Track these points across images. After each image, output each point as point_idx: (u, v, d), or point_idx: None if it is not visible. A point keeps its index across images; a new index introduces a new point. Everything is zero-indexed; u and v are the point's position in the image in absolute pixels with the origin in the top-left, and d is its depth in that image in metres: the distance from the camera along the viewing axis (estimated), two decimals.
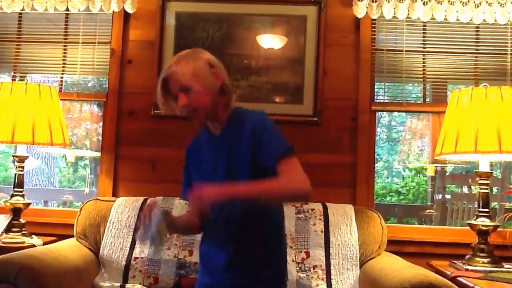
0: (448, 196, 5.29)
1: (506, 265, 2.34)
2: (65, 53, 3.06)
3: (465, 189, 5.27)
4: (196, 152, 1.86)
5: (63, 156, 6.86)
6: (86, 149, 5.92)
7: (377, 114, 2.97)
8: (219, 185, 1.55)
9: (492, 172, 2.46)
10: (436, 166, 5.15)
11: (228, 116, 1.75)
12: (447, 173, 5.72)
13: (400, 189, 7.78)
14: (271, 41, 2.92)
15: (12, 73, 3.09)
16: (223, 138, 1.74)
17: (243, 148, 1.67)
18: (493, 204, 4.18)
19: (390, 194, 7.73)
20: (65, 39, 3.07)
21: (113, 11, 2.93)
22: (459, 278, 2.12)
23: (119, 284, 2.33)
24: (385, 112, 7.16)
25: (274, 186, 1.57)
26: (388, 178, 8.41)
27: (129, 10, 2.92)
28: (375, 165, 2.98)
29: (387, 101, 3.00)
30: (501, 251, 2.51)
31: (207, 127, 1.79)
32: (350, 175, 2.84)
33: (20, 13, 3.06)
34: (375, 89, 2.94)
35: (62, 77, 3.08)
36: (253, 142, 1.65)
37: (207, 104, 1.68)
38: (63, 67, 3.06)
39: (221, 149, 1.73)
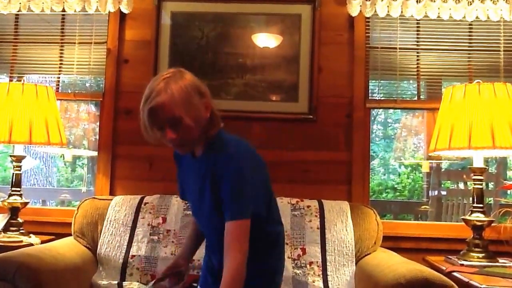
0: (443, 192, 5.30)
1: (501, 260, 2.36)
2: (61, 53, 3.07)
3: (460, 185, 5.29)
4: (183, 162, 1.84)
5: (61, 156, 6.87)
6: (84, 149, 5.93)
7: (372, 112, 2.98)
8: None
9: (486, 168, 2.47)
10: (431, 163, 5.16)
11: (211, 141, 1.68)
12: (442, 169, 5.73)
13: (396, 186, 7.81)
14: (266, 39, 2.93)
15: (9, 74, 3.09)
16: (202, 161, 1.70)
17: (206, 181, 1.64)
18: (489, 199, 4.20)
19: (386, 190, 7.77)
20: (62, 39, 3.07)
21: (109, 12, 2.94)
22: (454, 273, 2.14)
23: (116, 282, 2.35)
24: (380, 109, 7.21)
25: None
26: (384, 175, 8.44)
27: (125, 10, 2.93)
28: (371, 162, 2.99)
29: (381, 98, 3.02)
30: (496, 246, 2.53)
31: None
32: (346, 172, 2.85)
33: (17, 15, 3.07)
34: (370, 87, 2.95)
35: (59, 77, 3.09)
36: (215, 184, 1.60)
37: (195, 137, 1.63)
38: (60, 67, 3.07)
39: (200, 170, 1.70)
